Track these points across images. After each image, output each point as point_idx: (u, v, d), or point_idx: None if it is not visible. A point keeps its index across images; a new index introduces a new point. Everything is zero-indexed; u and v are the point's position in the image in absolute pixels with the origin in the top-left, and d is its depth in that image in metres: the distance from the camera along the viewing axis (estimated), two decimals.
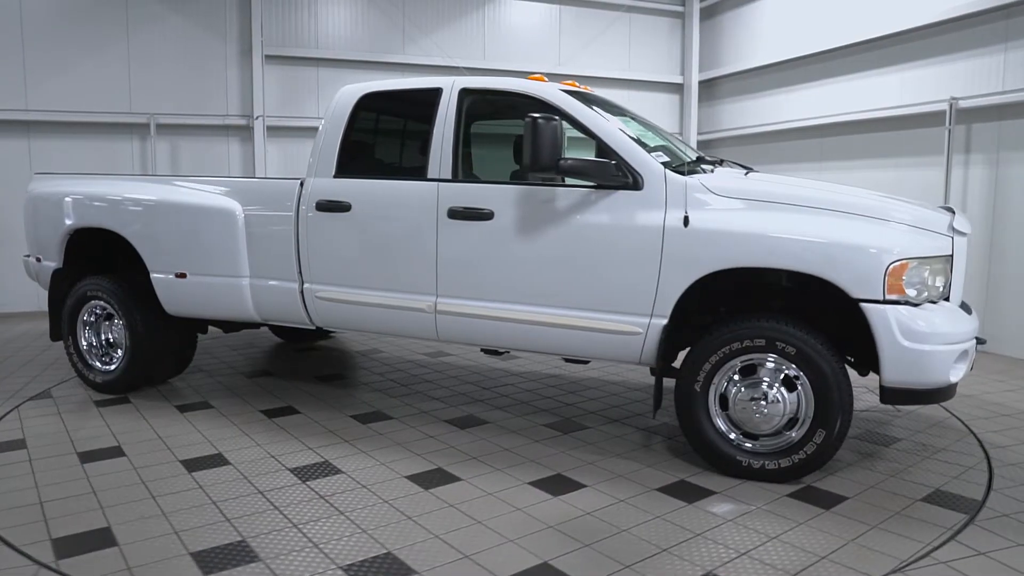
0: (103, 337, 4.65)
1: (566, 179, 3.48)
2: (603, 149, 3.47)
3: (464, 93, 3.84)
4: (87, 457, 3.52)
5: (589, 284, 3.44)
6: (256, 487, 3.17)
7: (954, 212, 3.60)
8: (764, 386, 3.20)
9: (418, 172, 3.82)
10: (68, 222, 4.55)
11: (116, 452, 3.59)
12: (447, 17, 8.95)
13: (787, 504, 3.03)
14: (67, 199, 4.56)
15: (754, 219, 3.17)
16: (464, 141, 3.85)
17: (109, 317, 4.60)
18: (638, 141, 3.52)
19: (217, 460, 3.49)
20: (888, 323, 2.98)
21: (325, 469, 3.40)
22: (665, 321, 3.32)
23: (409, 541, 2.70)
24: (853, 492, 3.16)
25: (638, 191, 3.36)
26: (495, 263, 3.62)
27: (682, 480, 3.29)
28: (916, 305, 3.02)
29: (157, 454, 3.57)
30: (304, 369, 5.34)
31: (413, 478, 3.31)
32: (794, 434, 3.20)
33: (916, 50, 6.73)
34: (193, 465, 3.43)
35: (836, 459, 3.56)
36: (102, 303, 4.52)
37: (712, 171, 3.64)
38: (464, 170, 3.76)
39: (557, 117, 3.22)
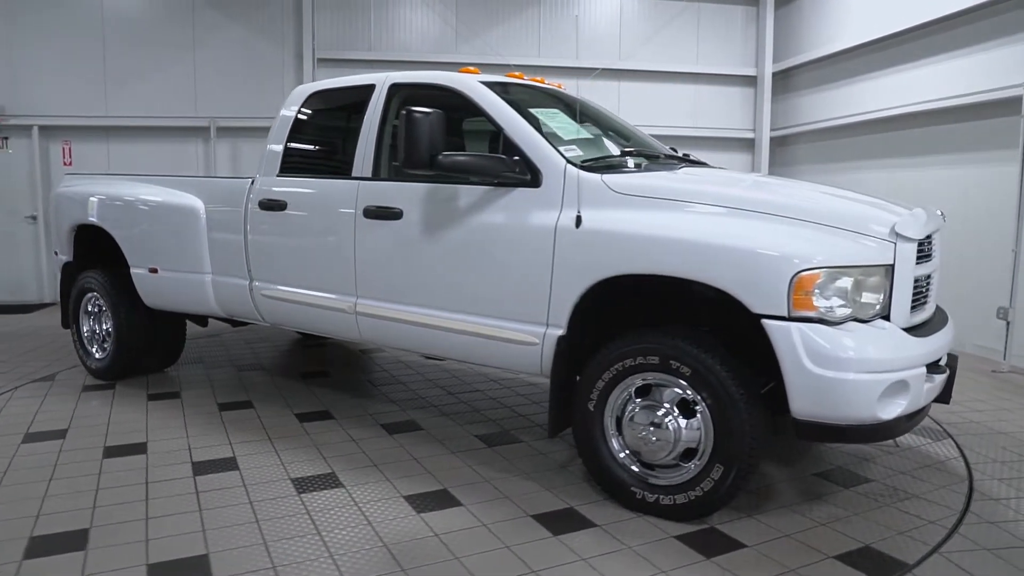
0: (104, 327, 4.97)
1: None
2: (506, 143, 3.21)
3: (394, 89, 3.71)
4: (30, 438, 3.77)
5: (486, 289, 3.20)
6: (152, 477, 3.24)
7: (943, 215, 3.03)
8: (659, 410, 2.81)
9: (345, 170, 3.73)
10: (72, 219, 4.91)
11: (59, 435, 3.81)
12: (501, 15, 8.83)
13: (666, 547, 2.64)
14: (73, 198, 4.92)
15: (645, 220, 2.80)
16: (390, 137, 3.71)
17: (104, 308, 4.91)
18: (549, 135, 3.22)
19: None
20: (792, 344, 2.50)
21: (225, 466, 3.41)
22: (561, 331, 3.01)
23: (227, 546, 2.61)
24: (758, 540, 2.70)
25: (536, 189, 3.08)
26: (404, 264, 3.46)
27: (569, 508, 2.96)
28: (832, 324, 2.52)
29: (91, 438, 3.75)
30: (290, 364, 5.44)
31: (297, 480, 3.23)
32: (692, 467, 2.79)
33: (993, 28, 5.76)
34: (113, 451, 3.57)
35: (771, 498, 3.08)
36: (96, 295, 4.83)
37: (639, 168, 3.27)
38: (388, 168, 3.63)
39: (433, 111, 3.00)
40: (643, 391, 2.87)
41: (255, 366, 5.36)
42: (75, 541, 2.65)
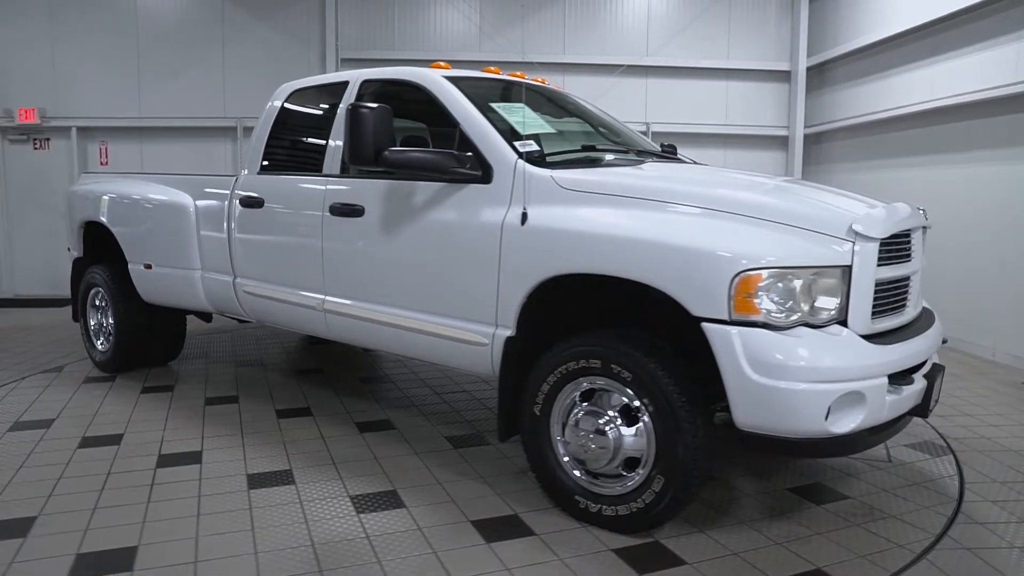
0: (109, 321, 5.11)
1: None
2: (462, 138, 3.13)
3: (366, 85, 3.68)
4: (18, 426, 3.90)
5: (439, 287, 3.14)
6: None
7: (924, 212, 2.81)
8: (602, 417, 2.68)
9: (317, 168, 3.73)
10: (81, 216, 5.08)
11: (45, 424, 3.93)
12: (526, 12, 8.74)
13: (600, 560, 2.52)
14: (84, 196, 5.08)
15: (588, 216, 2.67)
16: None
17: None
18: (506, 130, 3.12)
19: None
20: (732, 349, 2.34)
21: (189, 459, 3.44)
22: (510, 332, 2.91)
23: (159, 539, 2.62)
24: (700, 557, 2.54)
25: (487, 185, 2.99)
26: (365, 261, 3.43)
27: (514, 515, 2.87)
28: (778, 329, 2.35)
29: (73, 429, 3.85)
30: (289, 361, 5.49)
31: (252, 476, 3.23)
32: (636, 477, 2.65)
33: None
34: (89, 441, 3.65)
35: (732, 512, 2.91)
36: (100, 289, 4.98)
37: (597, 164, 3.14)
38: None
39: (379, 106, 2.94)
40: (589, 396, 2.75)
41: (255, 362, 5.43)
42: (19, 528, 2.70)
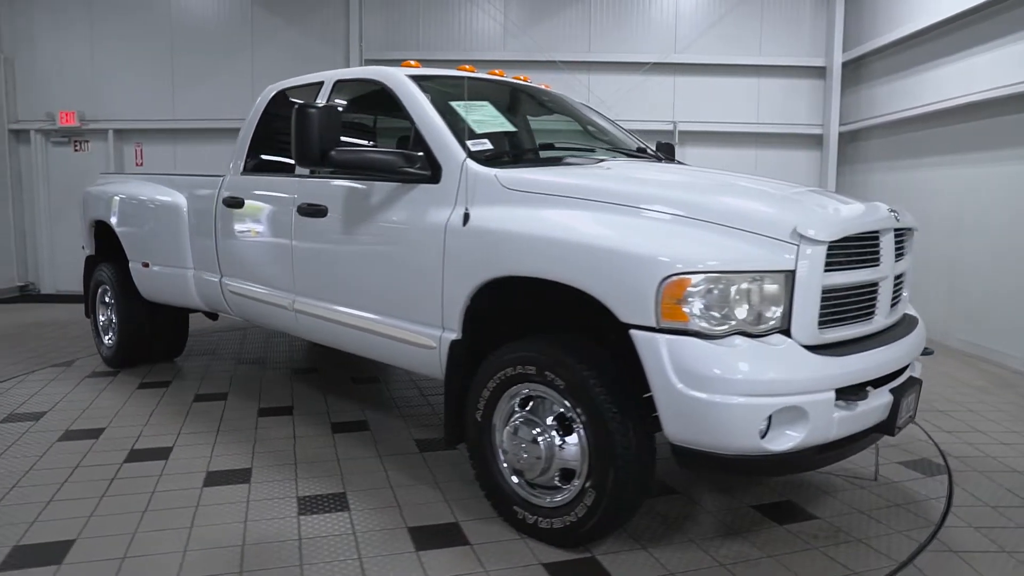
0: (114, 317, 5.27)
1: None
2: (416, 137, 3.07)
3: (338, 85, 3.68)
4: (9, 419, 4.04)
5: (391, 288, 3.10)
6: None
7: (895, 213, 2.62)
8: (538, 425, 2.58)
9: (292, 168, 3.73)
10: (92, 215, 5.25)
11: (35, 417, 4.07)
12: (550, 10, 8.64)
13: (527, 575, 2.42)
14: (96, 196, 5.25)
15: (524, 217, 2.58)
16: None
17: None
18: (460, 129, 3.05)
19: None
20: (659, 359, 2.22)
21: (157, 455, 3.49)
22: (455, 336, 2.84)
23: (99, 534, 2.65)
24: None
25: (436, 185, 2.93)
26: (328, 262, 3.42)
27: (455, 523, 2.79)
28: (709, 338, 2.21)
29: (59, 422, 3.97)
30: (291, 360, 5.55)
31: (211, 474, 3.25)
32: (571, 490, 2.54)
33: None
34: (69, 435, 3.76)
35: (684, 529, 2.77)
36: (107, 286, 5.14)
37: (549, 162, 3.04)
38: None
39: (326, 105, 2.91)
40: (527, 403, 2.65)
41: (257, 360, 5.51)
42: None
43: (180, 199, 4.51)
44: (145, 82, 8.63)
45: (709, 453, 2.24)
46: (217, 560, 2.49)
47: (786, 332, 2.27)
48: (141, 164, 8.76)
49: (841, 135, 8.37)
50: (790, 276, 2.25)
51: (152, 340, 5.14)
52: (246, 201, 3.96)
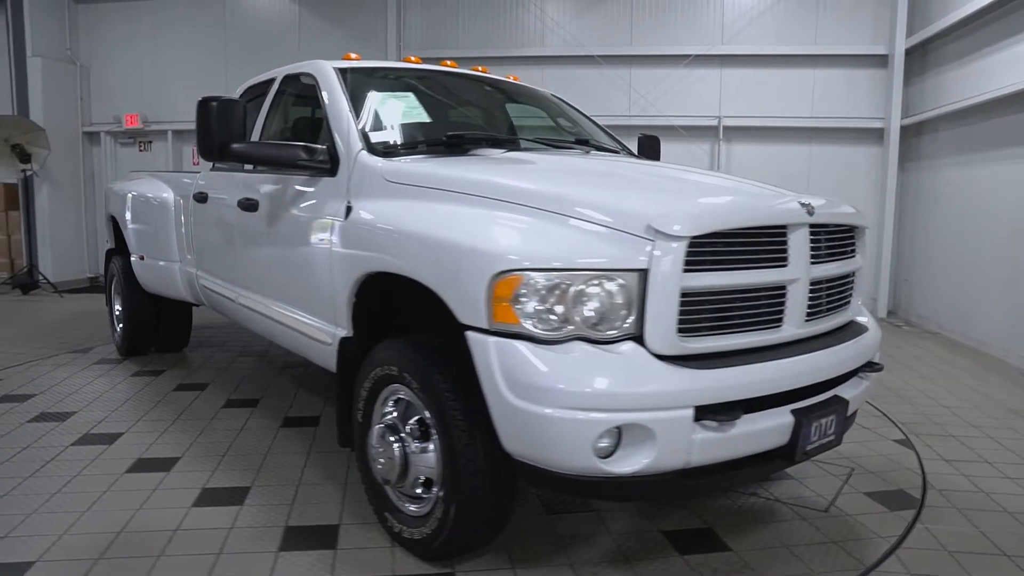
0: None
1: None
2: (326, 129, 3.01)
3: (286, 80, 3.68)
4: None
5: (300, 283, 3.06)
6: None
7: (807, 207, 2.32)
8: (399, 429, 2.45)
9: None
10: (107, 211, 5.55)
11: (22, 399, 4.32)
12: (591, 2, 8.40)
13: None
14: (115, 192, 5.55)
15: (391, 210, 2.47)
16: (269, 127, 3.67)
17: None
18: (371, 121, 2.96)
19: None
20: (489, 363, 2.04)
21: (105, 440, 3.61)
22: (344, 332, 2.76)
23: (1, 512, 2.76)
24: None
25: (333, 177, 2.86)
26: (257, 255, 3.42)
27: (336, 526, 2.71)
28: (544, 343, 2.00)
29: (40, 405, 4.20)
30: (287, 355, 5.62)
31: (142, 460, 3.32)
32: (429, 499, 2.39)
33: None
34: (40, 417, 3.96)
35: (571, 552, 2.56)
36: (117, 278, 5.42)
37: (443, 152, 2.88)
38: None
39: (227, 98, 2.88)
40: (398, 405, 2.53)
41: (261, 354, 5.64)
42: None
43: (169, 195, 4.68)
44: (201, 85, 9.07)
45: (548, 471, 2.04)
46: (84, 545, 2.52)
47: (639, 339, 2.03)
48: (197, 163, 9.21)
49: (904, 129, 7.64)
50: (640, 275, 2.01)
51: (156, 330, 5.36)
52: (209, 196, 4.05)
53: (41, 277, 8.52)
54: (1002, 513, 2.93)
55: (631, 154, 3.74)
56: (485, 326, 2.05)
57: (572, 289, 1.99)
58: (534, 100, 3.93)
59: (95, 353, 5.53)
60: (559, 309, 1.99)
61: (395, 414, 2.51)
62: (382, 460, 2.45)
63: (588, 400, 1.93)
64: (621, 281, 2.01)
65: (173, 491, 3.01)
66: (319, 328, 2.92)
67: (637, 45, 8.37)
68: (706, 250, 2.07)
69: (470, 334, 2.08)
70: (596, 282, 2.00)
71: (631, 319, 2.02)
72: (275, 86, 3.71)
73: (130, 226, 5.05)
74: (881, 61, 7.76)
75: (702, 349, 2.09)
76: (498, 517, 2.34)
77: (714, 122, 8.22)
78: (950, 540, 2.68)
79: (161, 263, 4.75)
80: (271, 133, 3.63)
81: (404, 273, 2.33)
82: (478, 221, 2.20)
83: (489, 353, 2.03)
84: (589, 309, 2.00)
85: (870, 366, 2.66)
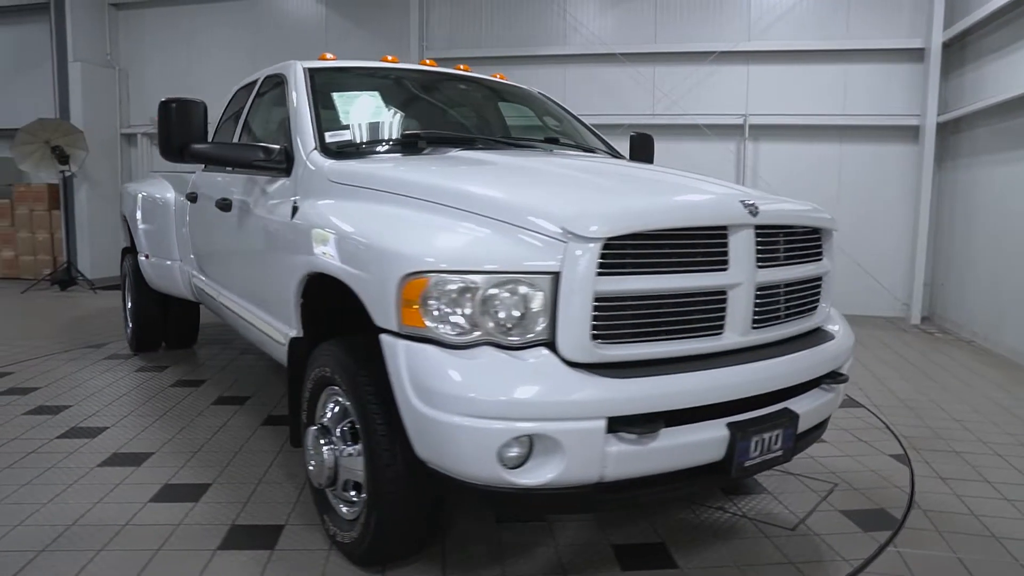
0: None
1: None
2: (287, 129, 3.01)
3: (266, 81, 3.71)
4: (3, 394, 4.48)
5: (260, 282, 3.07)
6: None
7: (751, 207, 2.20)
8: (333, 432, 2.42)
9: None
10: (121, 210, 5.72)
11: (24, 392, 4.48)
12: (615, 0, 8.26)
13: None
14: (128, 193, 5.71)
15: (328, 210, 2.44)
16: (249, 128, 3.71)
17: None
18: (329, 120, 2.94)
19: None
20: (397, 367, 1.99)
21: (88, 434, 3.70)
22: (294, 332, 2.75)
23: None
24: None
25: (288, 177, 2.86)
26: (231, 254, 3.46)
27: (281, 527, 2.70)
28: (451, 347, 1.94)
29: (38, 399, 4.34)
30: None
31: (117, 455, 3.38)
32: (357, 503, 2.35)
33: None
34: (36, 410, 4.10)
35: (509, 563, 2.48)
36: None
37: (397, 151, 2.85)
38: None
39: (182, 100, 2.90)
40: (339, 407, 2.50)
41: (264, 352, 5.70)
42: None
43: (171, 195, 4.79)
44: (230, 87, 9.29)
45: (458, 480, 1.97)
46: (32, 537, 2.57)
47: (550, 344, 1.95)
48: None
49: (941, 126, 7.25)
50: (552, 278, 1.93)
51: (165, 327, 5.50)
52: (198, 196, 4.12)
53: (78, 274, 8.86)
54: (988, 538, 2.72)
55: (613, 154, 3.63)
56: (396, 329, 2.00)
57: (480, 292, 1.92)
58: (517, 98, 3.86)
59: (108, 349, 5.71)
60: (467, 313, 1.93)
61: (329, 416, 2.48)
62: (313, 463, 2.43)
63: (491, 408, 1.86)
64: (532, 285, 1.93)
65: (136, 486, 3.05)
66: (275, 327, 2.92)
67: (661, 42, 8.19)
68: (626, 252, 1.97)
69: (383, 337, 2.04)
70: (506, 285, 1.93)
71: (543, 324, 1.94)
72: (256, 87, 3.75)
73: (138, 226, 5.18)
74: (916, 55, 7.39)
75: (622, 357, 1.99)
76: (420, 525, 2.29)
77: (740, 120, 7.97)
78: (920, 566, 2.50)
79: (166, 262, 4.85)
80: (250, 133, 3.66)
81: (330, 273, 2.30)
82: (397, 222, 2.16)
83: (398, 356, 1.98)
84: (499, 313, 1.93)
85: (834, 377, 2.50)
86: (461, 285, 1.92)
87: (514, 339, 1.94)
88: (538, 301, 1.93)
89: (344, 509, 2.43)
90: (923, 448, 3.69)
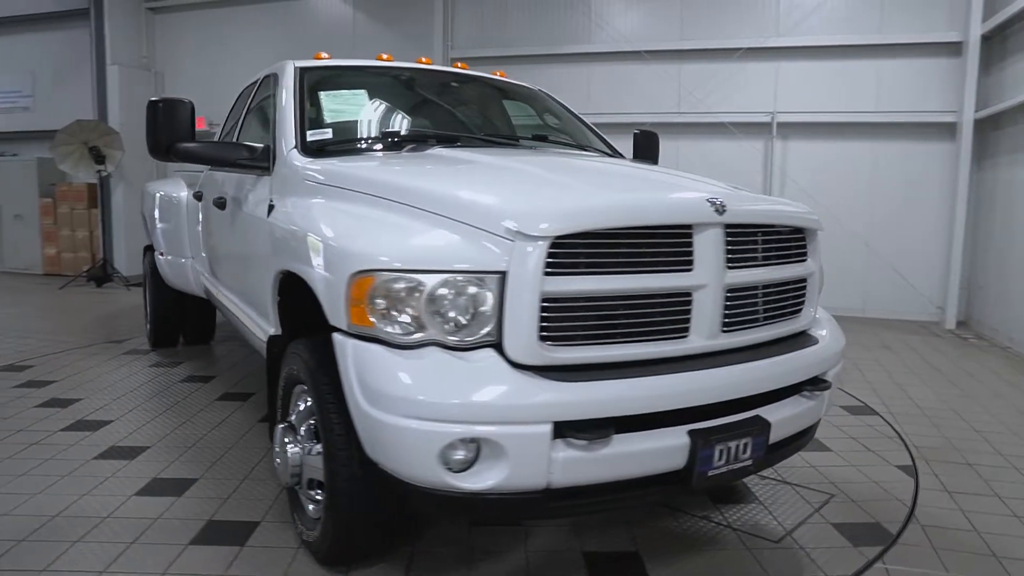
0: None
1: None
2: (273, 128, 3.03)
3: (264, 79, 3.75)
4: (17, 387, 4.63)
5: (243, 278, 3.09)
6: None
7: (717, 206, 2.12)
8: (297, 430, 2.42)
9: None
10: (141, 209, 5.87)
11: (39, 386, 4.62)
12: None
13: None
14: (144, 192, 5.85)
15: (298, 208, 2.43)
16: (247, 127, 3.75)
17: None
18: (313, 119, 2.95)
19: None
20: (346, 366, 1.98)
21: (89, 427, 3.80)
22: (273, 330, 2.76)
23: None
24: None
25: (269, 176, 2.87)
26: (225, 251, 3.50)
27: (256, 523, 2.71)
28: (396, 347, 1.91)
29: (50, 392, 4.47)
30: None
31: (113, 448, 3.46)
32: (321, 502, 2.34)
33: None
34: (44, 404, 4.22)
35: (476, 567, 2.44)
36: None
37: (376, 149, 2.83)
38: None
39: (169, 99, 2.93)
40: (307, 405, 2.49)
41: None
42: None
43: (184, 194, 4.89)
44: None
45: (405, 483, 1.94)
46: (14, 527, 2.63)
47: (497, 345, 1.90)
48: None
49: (980, 123, 6.93)
50: (498, 278, 1.88)
51: (182, 323, 5.61)
52: (203, 195, 4.19)
53: (114, 271, 9.14)
54: (987, 557, 2.57)
55: (609, 153, 3.56)
56: (345, 328, 1.98)
57: (427, 292, 1.89)
58: (516, 95, 3.82)
59: (128, 344, 5.86)
60: (412, 312, 1.90)
61: (295, 416, 2.48)
62: (278, 460, 2.43)
63: (432, 410, 1.82)
64: (480, 284, 1.89)
65: (125, 479, 3.11)
66: (259, 325, 2.94)
67: (687, 39, 8.03)
68: (578, 251, 1.91)
69: (334, 336, 2.02)
70: (453, 285, 1.89)
71: (491, 326, 1.90)
72: (256, 87, 3.79)
73: (156, 224, 5.30)
74: (954, 49, 7.08)
75: (574, 360, 1.93)
76: (378, 526, 2.26)
77: (768, 118, 7.76)
78: None
79: (180, 260, 4.95)
80: (248, 132, 3.71)
81: (295, 271, 2.30)
82: (356, 220, 2.14)
83: (347, 356, 1.96)
84: (446, 314, 1.90)
85: (815, 383, 2.38)
86: (407, 284, 1.89)
87: (460, 340, 1.90)
88: (485, 301, 1.89)
89: (311, 507, 2.42)
90: (934, 459, 3.52)
